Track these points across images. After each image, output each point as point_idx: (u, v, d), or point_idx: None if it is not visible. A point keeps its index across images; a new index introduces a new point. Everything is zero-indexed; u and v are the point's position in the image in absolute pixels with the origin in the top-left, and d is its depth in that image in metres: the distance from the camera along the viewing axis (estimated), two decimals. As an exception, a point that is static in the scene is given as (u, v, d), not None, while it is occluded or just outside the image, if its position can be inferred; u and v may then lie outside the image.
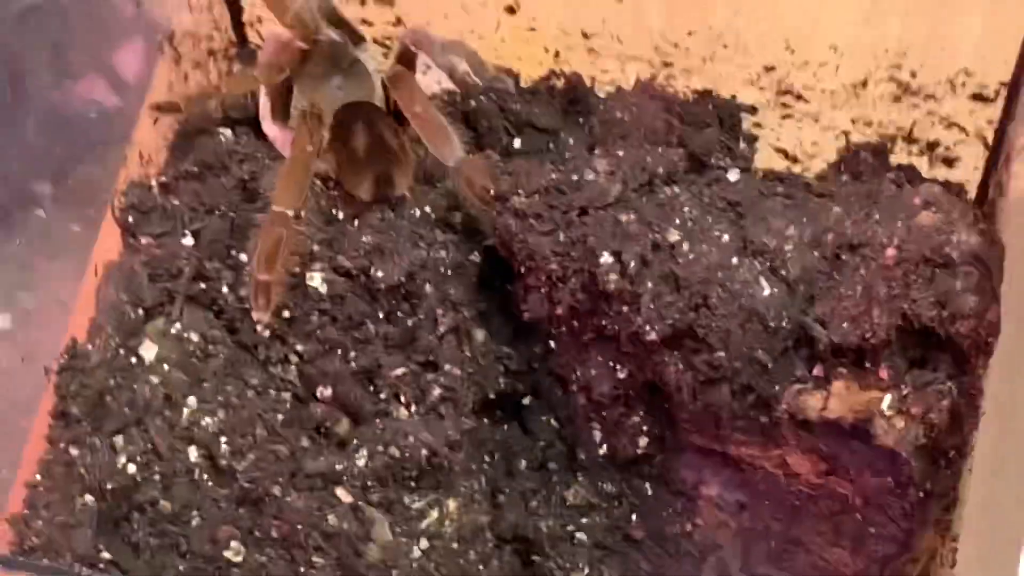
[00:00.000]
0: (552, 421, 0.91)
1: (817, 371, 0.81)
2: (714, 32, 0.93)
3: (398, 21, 0.98)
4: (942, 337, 0.78)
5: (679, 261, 0.81)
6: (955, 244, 0.78)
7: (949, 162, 0.94)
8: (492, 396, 0.89)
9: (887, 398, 0.78)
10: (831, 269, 0.81)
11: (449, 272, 0.87)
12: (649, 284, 0.81)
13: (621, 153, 0.87)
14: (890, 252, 0.79)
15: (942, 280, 0.78)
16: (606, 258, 0.81)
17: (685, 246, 0.81)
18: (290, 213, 0.82)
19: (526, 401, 0.91)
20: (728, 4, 0.92)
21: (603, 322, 0.84)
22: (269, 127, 0.91)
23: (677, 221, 0.82)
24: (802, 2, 0.92)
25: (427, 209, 0.89)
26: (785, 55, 0.93)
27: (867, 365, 0.79)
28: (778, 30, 0.93)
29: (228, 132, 0.91)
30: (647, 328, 0.81)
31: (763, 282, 0.81)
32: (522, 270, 0.85)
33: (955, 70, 0.91)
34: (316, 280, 0.86)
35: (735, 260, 0.81)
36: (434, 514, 0.85)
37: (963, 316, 0.77)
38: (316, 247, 0.86)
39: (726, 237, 0.82)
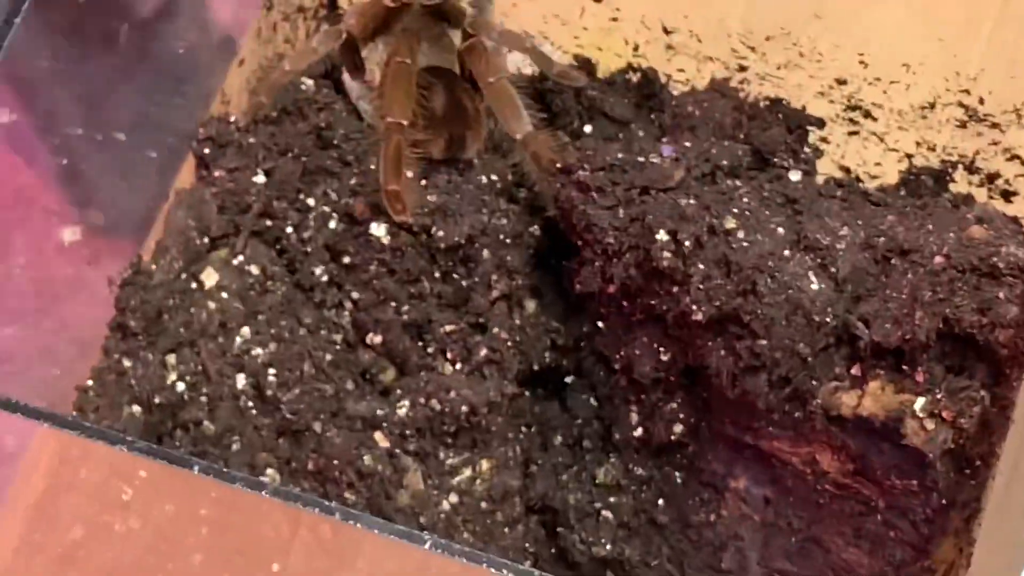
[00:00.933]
0: (592, 400, 0.92)
1: (855, 370, 0.82)
2: (791, 39, 0.95)
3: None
4: (981, 344, 0.79)
5: (732, 247, 0.83)
6: (1003, 255, 0.79)
7: (1007, 195, 0.96)
8: (536, 368, 0.91)
9: (920, 400, 0.80)
10: (880, 271, 0.82)
11: (508, 240, 0.89)
12: (701, 265, 0.83)
13: (688, 143, 0.89)
14: (938, 259, 0.81)
15: (986, 288, 0.79)
16: (662, 236, 0.83)
17: (740, 233, 0.83)
18: (404, 122, 0.84)
19: (569, 379, 0.93)
20: (808, 12, 0.94)
21: (652, 301, 0.85)
22: (349, 81, 0.94)
23: (735, 210, 0.84)
24: (882, 16, 0.94)
25: (493, 177, 0.91)
26: (858, 69, 0.95)
27: (904, 367, 0.81)
28: (854, 43, 0.95)
29: (309, 82, 0.94)
30: (694, 308, 0.83)
31: (812, 277, 0.82)
32: (579, 243, 0.87)
33: (1022, 100, 0.93)
34: (380, 231, 0.88)
35: (787, 252, 0.83)
36: (467, 472, 0.87)
37: (1003, 325, 0.78)
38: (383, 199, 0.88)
39: (781, 230, 0.84)
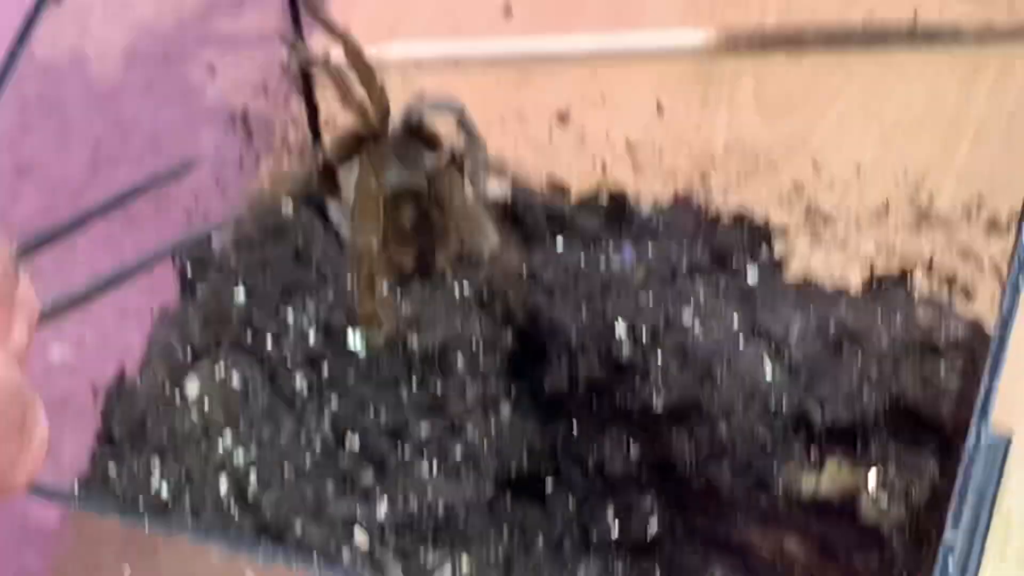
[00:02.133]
0: (571, 501, 0.95)
1: (813, 452, 0.85)
2: (747, 147, 1.00)
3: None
4: (927, 418, 0.82)
5: (689, 337, 0.86)
6: (944, 332, 0.83)
7: (968, 294, 0.99)
8: (515, 471, 0.94)
9: (873, 476, 0.83)
10: (831, 356, 0.86)
11: (481, 347, 0.93)
12: (659, 356, 0.86)
13: (650, 246, 0.93)
14: (885, 341, 0.84)
15: (929, 363, 0.83)
16: (621, 329, 0.87)
17: (696, 324, 0.87)
18: (372, 241, 0.88)
19: (548, 481, 0.96)
20: (760, 120, 0.99)
21: (617, 395, 0.89)
22: (329, 204, 0.98)
23: (692, 303, 0.88)
24: (827, 120, 0.98)
25: (465, 286, 0.95)
26: (815, 175, 0.99)
27: (858, 445, 0.84)
28: (806, 148, 0.99)
29: (290, 206, 0.99)
30: (654, 398, 0.86)
31: (767, 364, 0.86)
32: (547, 345, 0.91)
33: (970, 196, 0.97)
34: (356, 342, 0.92)
35: (742, 341, 0.87)
36: (447, 571, 0.90)
37: (945, 396, 0.81)
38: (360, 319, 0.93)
39: (736, 321, 0.88)
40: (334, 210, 0.98)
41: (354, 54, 0.90)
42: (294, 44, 1.00)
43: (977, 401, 0.59)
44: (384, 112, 0.92)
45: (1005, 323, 0.60)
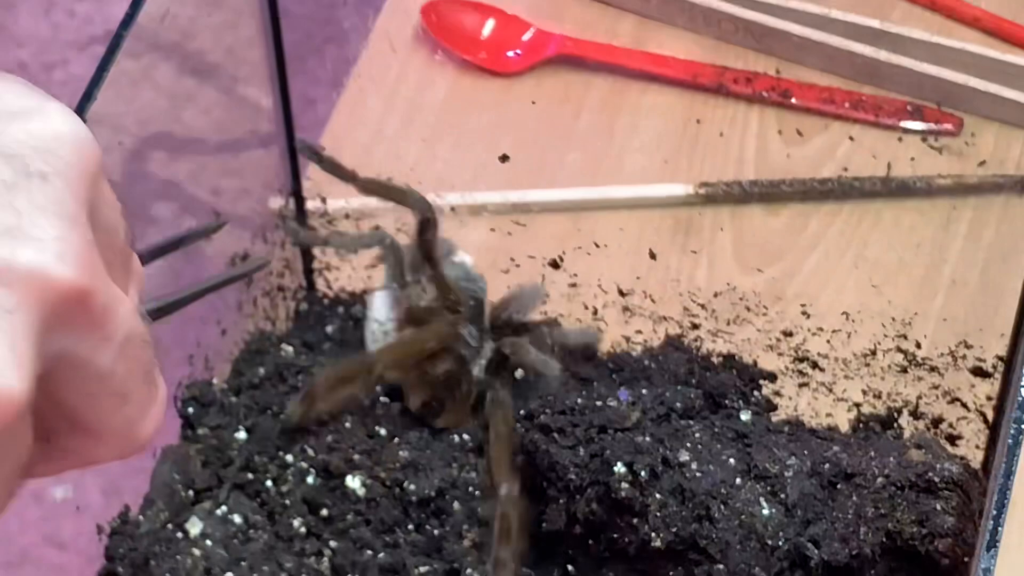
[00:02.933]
0: (570, 645, 0.96)
1: (810, 591, 0.87)
2: (737, 294, 1.03)
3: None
4: (923, 555, 0.84)
5: (687, 476, 0.88)
6: (937, 471, 0.85)
7: (952, 439, 1.01)
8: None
9: (870, 613, 0.84)
10: (826, 495, 0.88)
11: (478, 493, 0.95)
12: (657, 495, 0.88)
13: (644, 390, 0.95)
14: (880, 480, 0.86)
15: (924, 502, 0.84)
16: (620, 468, 0.88)
17: (694, 465, 0.89)
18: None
19: (548, 622, 0.97)
20: (750, 266, 1.02)
21: (615, 535, 0.90)
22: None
23: (688, 444, 0.90)
24: (816, 267, 1.01)
25: (464, 435, 0.97)
26: (802, 320, 1.02)
27: (855, 584, 0.85)
28: (795, 294, 1.02)
29: (290, 348, 1.01)
30: (653, 535, 0.87)
31: (763, 503, 0.88)
32: (544, 483, 0.92)
33: (956, 342, 0.99)
34: (355, 484, 0.93)
35: (738, 481, 0.88)
36: None
37: (941, 535, 0.83)
38: (357, 456, 0.94)
39: (732, 461, 0.89)
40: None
41: (374, 187, 0.93)
42: (291, 228, 1.04)
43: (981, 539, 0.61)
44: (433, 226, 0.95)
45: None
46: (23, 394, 0.46)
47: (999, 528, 0.60)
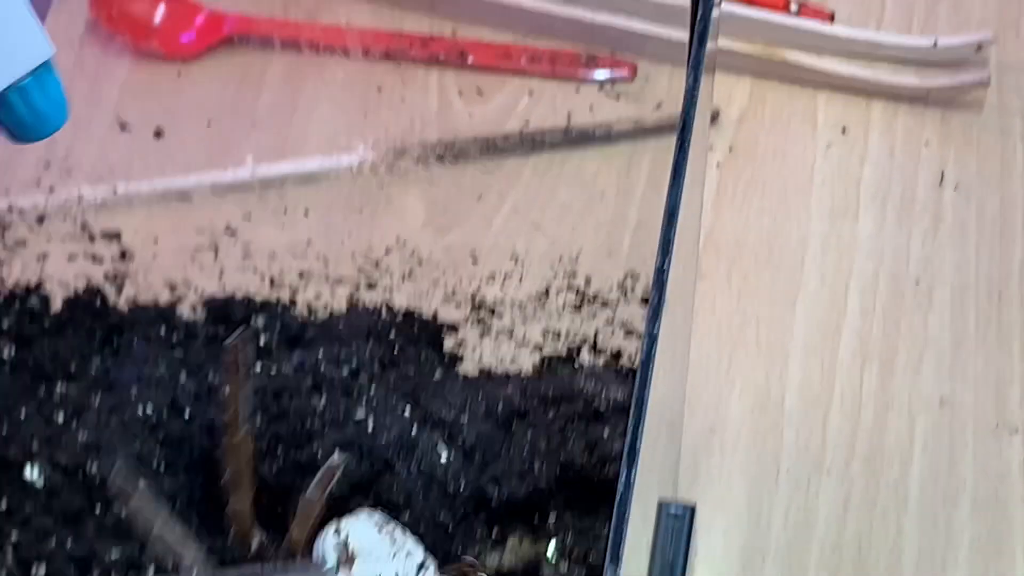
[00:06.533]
0: None
1: (495, 531, 0.88)
2: (407, 248, 1.03)
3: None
4: (596, 482, 0.86)
5: (365, 434, 0.89)
6: (603, 399, 0.87)
7: (633, 373, 1.03)
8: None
9: (551, 544, 0.86)
10: (503, 436, 0.89)
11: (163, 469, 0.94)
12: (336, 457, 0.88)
13: (320, 353, 0.95)
14: (551, 414, 0.88)
15: (592, 431, 0.86)
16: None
17: (370, 420, 0.89)
18: None
19: None
20: (415, 218, 1.02)
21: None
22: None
23: (363, 402, 0.90)
24: (481, 212, 1.02)
25: (148, 410, 0.96)
26: (473, 268, 1.03)
27: (536, 518, 0.87)
28: (463, 242, 1.03)
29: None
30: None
31: (441, 450, 0.89)
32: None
33: (623, 275, 1.02)
34: (33, 475, 0.92)
35: (415, 431, 0.89)
36: None
37: (611, 460, 0.85)
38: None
39: (407, 414, 0.90)
40: None
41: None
42: None
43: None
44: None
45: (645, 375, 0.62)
46: None
47: (638, 440, 0.62)
